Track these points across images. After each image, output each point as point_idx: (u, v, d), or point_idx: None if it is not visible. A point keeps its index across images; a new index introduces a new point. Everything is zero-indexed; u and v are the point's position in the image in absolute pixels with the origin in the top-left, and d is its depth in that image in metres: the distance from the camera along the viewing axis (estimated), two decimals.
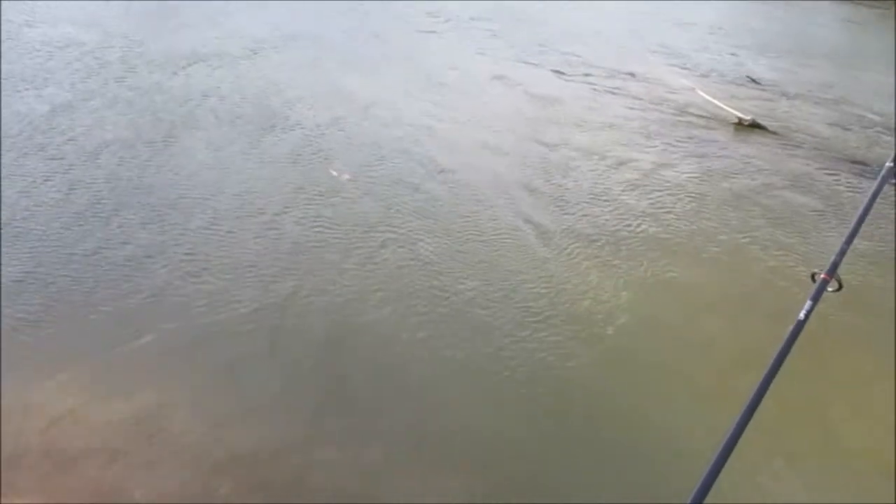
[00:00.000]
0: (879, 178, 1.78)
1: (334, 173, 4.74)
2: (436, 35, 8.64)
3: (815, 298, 1.66)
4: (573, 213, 4.76)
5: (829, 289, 1.72)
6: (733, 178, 5.57)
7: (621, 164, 5.61)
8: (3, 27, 6.84)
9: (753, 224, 4.86)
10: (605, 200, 4.99)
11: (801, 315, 1.62)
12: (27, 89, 5.68)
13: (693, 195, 5.19)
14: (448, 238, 4.30)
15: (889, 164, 1.82)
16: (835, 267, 1.70)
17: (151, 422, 2.80)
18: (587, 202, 4.94)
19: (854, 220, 1.75)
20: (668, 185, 5.33)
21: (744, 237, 4.67)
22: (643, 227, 4.68)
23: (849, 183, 5.69)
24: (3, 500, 2.35)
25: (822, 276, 1.69)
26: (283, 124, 5.60)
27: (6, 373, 2.94)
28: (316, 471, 2.67)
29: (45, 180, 4.42)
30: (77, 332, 3.24)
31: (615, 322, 3.69)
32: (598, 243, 4.41)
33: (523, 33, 8.80)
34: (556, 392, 3.19)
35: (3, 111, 5.23)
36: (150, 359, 3.15)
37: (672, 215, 4.87)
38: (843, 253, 1.71)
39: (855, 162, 6.04)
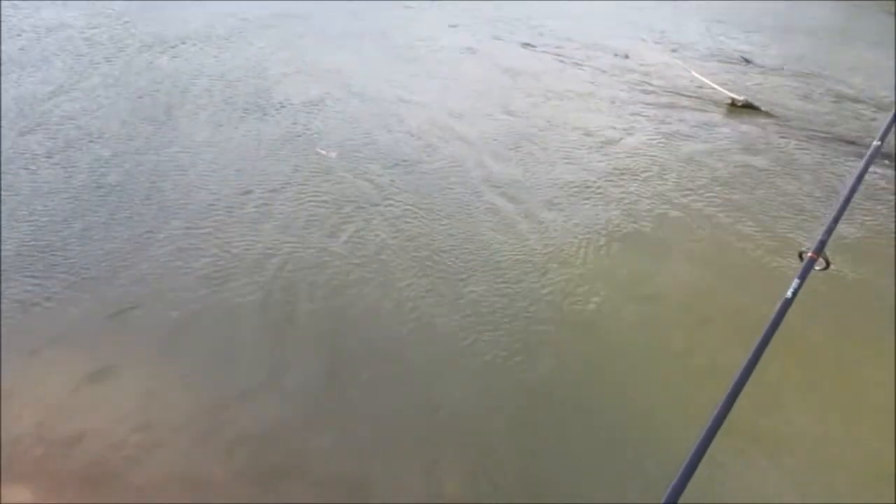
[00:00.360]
0: (866, 158, 1.79)
1: (322, 152, 4.79)
2: (421, 12, 8.59)
3: (803, 277, 1.68)
4: (562, 194, 4.77)
5: (817, 267, 1.74)
6: (728, 158, 5.56)
7: (611, 144, 5.60)
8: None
9: (747, 204, 4.87)
10: (598, 179, 5.00)
11: (789, 294, 1.63)
12: (14, 72, 5.65)
13: (685, 176, 5.20)
14: (429, 208, 4.34)
15: (876, 142, 1.83)
16: (822, 245, 1.72)
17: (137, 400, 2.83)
18: (582, 184, 4.95)
19: (841, 199, 1.76)
20: (658, 165, 5.33)
21: (739, 217, 4.68)
22: (637, 206, 4.69)
23: (843, 162, 5.70)
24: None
25: (810, 254, 1.71)
26: (271, 104, 5.60)
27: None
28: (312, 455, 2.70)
29: (47, 157, 4.47)
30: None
31: (602, 300, 3.72)
32: (590, 225, 4.43)
33: (522, 21, 8.72)
34: (541, 373, 3.22)
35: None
36: (127, 333, 3.19)
37: (662, 195, 4.88)
38: (829, 232, 1.73)
39: (850, 142, 6.05)
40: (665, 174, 5.16)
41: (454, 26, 8.10)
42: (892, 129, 1.92)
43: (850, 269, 4.17)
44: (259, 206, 4.22)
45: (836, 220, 1.74)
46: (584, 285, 3.80)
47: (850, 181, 1.79)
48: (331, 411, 2.90)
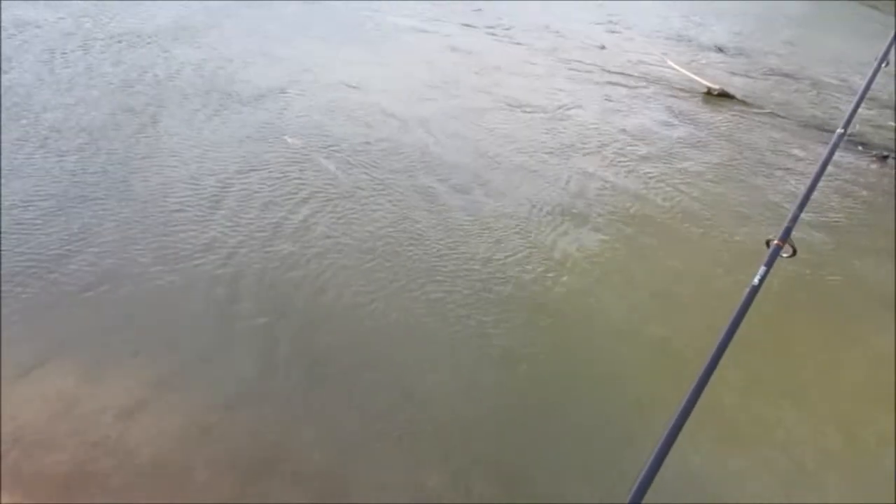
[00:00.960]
0: (830, 146, 1.82)
1: (289, 140, 4.87)
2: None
3: (769, 264, 1.71)
4: (546, 182, 4.80)
5: (784, 254, 1.77)
6: (703, 148, 5.61)
7: (585, 132, 5.62)
8: None
9: (726, 193, 4.92)
10: (585, 169, 5.02)
11: (756, 281, 1.66)
12: None
13: (661, 165, 5.23)
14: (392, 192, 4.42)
15: (839, 130, 1.86)
16: (788, 233, 1.75)
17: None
18: (564, 172, 4.97)
19: (806, 187, 1.79)
20: (636, 153, 5.34)
21: (715, 206, 4.73)
22: (620, 197, 4.71)
23: (815, 147, 5.78)
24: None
25: (776, 242, 1.74)
26: (241, 94, 5.59)
27: None
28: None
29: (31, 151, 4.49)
30: None
31: (567, 284, 3.77)
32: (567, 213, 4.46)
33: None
34: (514, 359, 3.26)
35: None
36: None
37: (634, 181, 4.91)
38: (795, 219, 1.76)
39: (825, 129, 6.12)
40: (642, 163, 5.18)
41: (423, 14, 8.11)
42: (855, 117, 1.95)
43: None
44: (236, 194, 4.24)
45: (800, 208, 1.76)
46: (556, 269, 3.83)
47: (814, 169, 1.82)
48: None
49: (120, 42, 6.42)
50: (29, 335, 3.06)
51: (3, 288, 3.29)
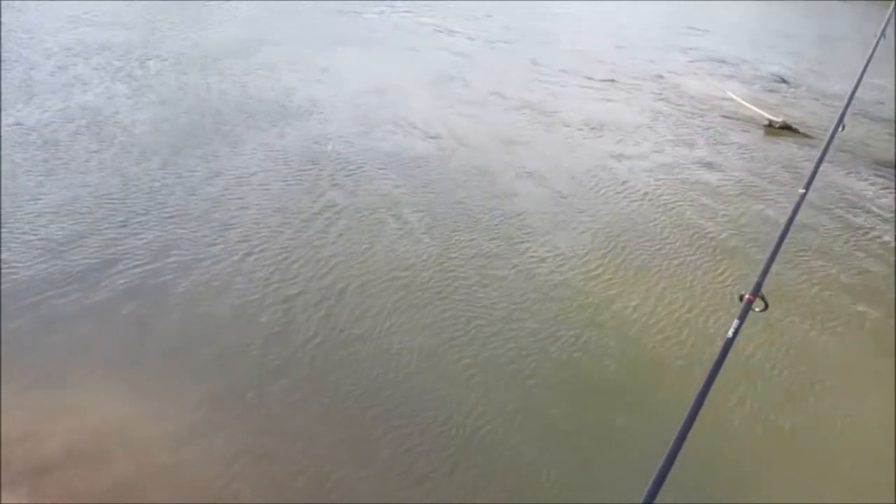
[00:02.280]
0: (794, 206, 1.92)
1: (328, 148, 5.57)
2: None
3: (742, 318, 1.78)
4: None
5: (756, 309, 1.84)
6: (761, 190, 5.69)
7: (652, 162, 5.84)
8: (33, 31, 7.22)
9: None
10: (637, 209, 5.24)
11: (730, 333, 1.73)
12: (56, 93, 5.91)
13: (715, 197, 5.38)
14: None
15: (801, 190, 1.97)
16: (758, 287, 1.83)
17: None
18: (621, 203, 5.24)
19: (774, 243, 1.88)
20: (692, 188, 5.51)
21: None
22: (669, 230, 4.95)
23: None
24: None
25: (748, 296, 1.82)
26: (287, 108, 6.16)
27: None
28: None
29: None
30: None
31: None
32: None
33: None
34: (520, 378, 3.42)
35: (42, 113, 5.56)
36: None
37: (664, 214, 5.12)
38: (765, 273, 1.84)
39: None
40: (714, 202, 5.32)
41: (454, 32, 8.55)
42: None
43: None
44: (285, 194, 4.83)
45: (770, 263, 1.85)
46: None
47: (781, 226, 1.93)
48: None
49: (181, 59, 6.96)
50: None
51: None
